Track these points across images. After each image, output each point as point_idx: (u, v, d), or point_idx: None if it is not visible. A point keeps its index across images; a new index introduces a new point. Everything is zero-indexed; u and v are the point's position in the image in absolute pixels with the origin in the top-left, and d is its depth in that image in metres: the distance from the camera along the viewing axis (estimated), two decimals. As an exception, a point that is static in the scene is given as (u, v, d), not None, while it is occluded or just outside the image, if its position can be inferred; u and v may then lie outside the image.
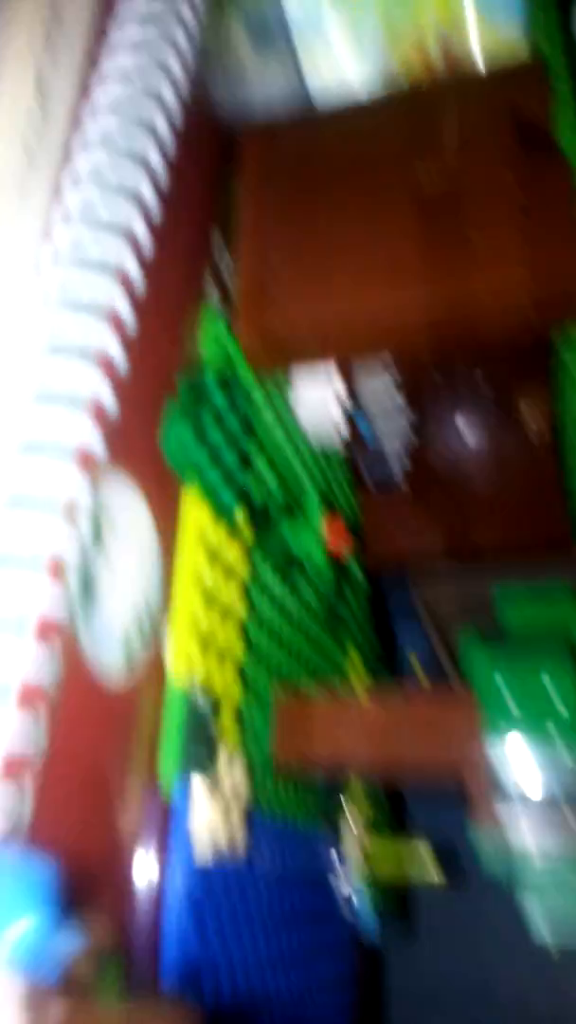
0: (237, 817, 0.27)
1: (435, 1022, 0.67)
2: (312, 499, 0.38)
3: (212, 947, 0.26)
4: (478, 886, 0.44)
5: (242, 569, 0.31)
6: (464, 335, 0.30)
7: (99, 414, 0.22)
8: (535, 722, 0.26)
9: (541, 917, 0.26)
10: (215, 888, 0.26)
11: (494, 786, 0.27)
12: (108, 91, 0.27)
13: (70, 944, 0.16)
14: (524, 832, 0.27)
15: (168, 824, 0.25)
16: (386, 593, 0.65)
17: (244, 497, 0.31)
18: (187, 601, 0.26)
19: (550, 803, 0.27)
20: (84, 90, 0.27)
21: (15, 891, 0.16)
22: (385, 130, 0.34)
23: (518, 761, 0.27)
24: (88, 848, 0.22)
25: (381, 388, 0.39)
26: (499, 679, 0.27)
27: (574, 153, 0.31)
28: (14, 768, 0.18)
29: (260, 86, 0.41)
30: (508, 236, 0.29)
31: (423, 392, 0.47)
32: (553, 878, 0.26)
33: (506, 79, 0.35)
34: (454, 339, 0.31)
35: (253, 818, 0.30)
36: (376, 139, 0.33)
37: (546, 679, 0.27)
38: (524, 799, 0.27)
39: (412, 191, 0.31)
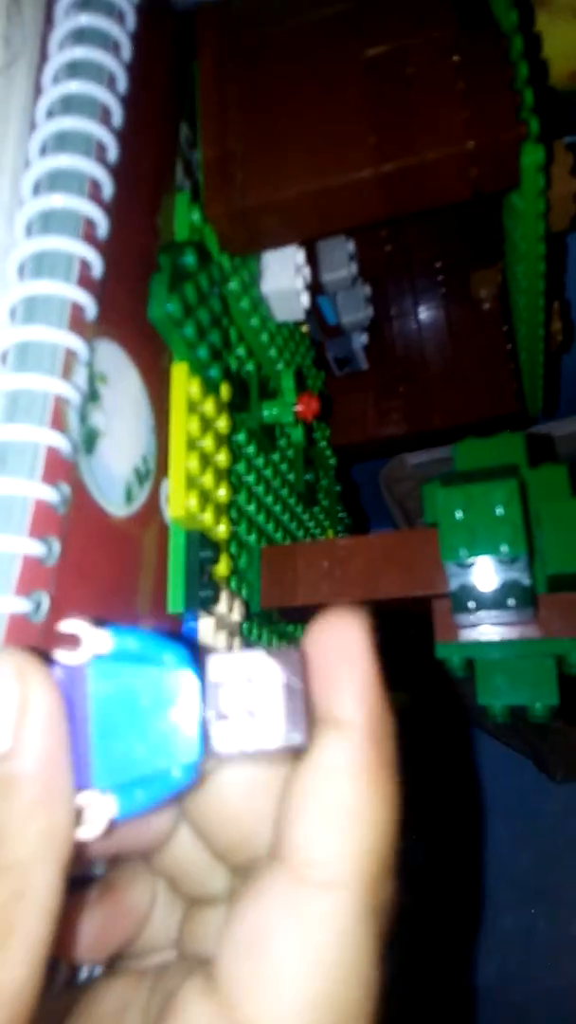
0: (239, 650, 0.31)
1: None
2: (288, 379, 0.41)
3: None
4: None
5: (230, 438, 0.34)
6: (415, 198, 0.33)
7: (86, 278, 0.25)
8: (489, 545, 0.31)
9: (494, 697, 0.31)
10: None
11: (457, 605, 0.32)
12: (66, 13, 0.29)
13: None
14: (482, 638, 0.32)
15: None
16: (355, 475, 0.69)
17: (228, 375, 0.35)
18: (182, 458, 0.30)
19: (505, 613, 0.31)
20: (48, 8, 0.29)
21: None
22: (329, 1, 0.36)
23: (476, 581, 0.31)
24: None
25: (341, 265, 0.42)
26: (457, 511, 0.31)
27: (506, 21, 0.33)
28: (29, 579, 0.21)
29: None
30: (447, 96, 0.32)
31: (381, 270, 0.50)
32: (504, 665, 0.31)
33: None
34: (407, 203, 0.34)
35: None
36: (320, 9, 0.35)
37: (497, 507, 0.31)
38: (482, 613, 0.31)
39: (358, 59, 0.34)
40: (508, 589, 0.31)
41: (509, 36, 0.34)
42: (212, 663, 0.16)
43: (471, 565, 0.31)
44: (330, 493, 0.55)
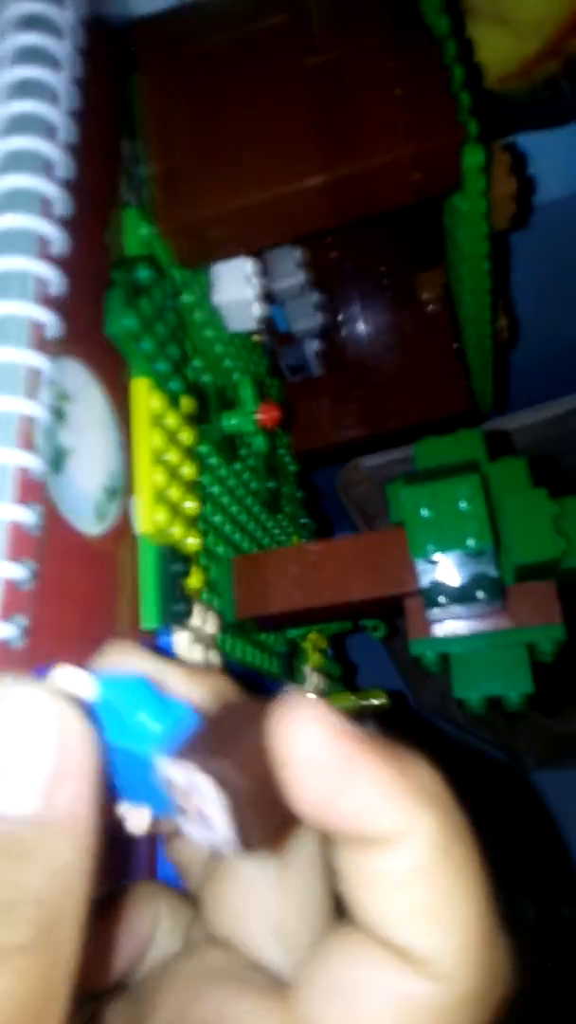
0: (216, 664, 0.31)
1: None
2: (247, 388, 0.41)
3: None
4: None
5: (194, 450, 0.34)
6: (360, 204, 0.34)
7: (45, 296, 0.25)
8: (456, 540, 0.31)
9: (471, 689, 0.31)
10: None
11: (428, 601, 0.32)
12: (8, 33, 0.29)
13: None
14: (454, 632, 0.33)
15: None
16: (316, 480, 0.69)
17: (189, 387, 0.35)
18: (148, 473, 0.30)
19: (475, 606, 0.32)
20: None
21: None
22: (266, 11, 0.36)
23: (445, 577, 0.32)
24: None
25: (290, 273, 0.42)
26: (422, 508, 0.32)
27: (439, 26, 0.34)
28: (8, 603, 0.21)
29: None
30: (386, 102, 0.33)
31: (329, 277, 0.51)
32: (478, 657, 0.32)
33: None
34: (352, 210, 0.34)
35: (226, 668, 0.34)
36: (258, 20, 0.36)
37: (461, 502, 0.31)
38: (453, 607, 0.32)
39: (297, 69, 0.34)
40: (477, 582, 0.31)
41: (442, 41, 0.35)
42: (165, 764, 0.15)
43: (439, 561, 0.32)
44: (293, 499, 0.55)
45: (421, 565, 0.32)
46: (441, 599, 0.32)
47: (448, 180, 0.34)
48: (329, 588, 0.34)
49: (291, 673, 0.45)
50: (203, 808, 0.14)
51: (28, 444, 0.23)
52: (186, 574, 0.30)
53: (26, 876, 0.12)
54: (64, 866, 0.12)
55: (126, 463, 0.29)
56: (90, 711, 0.14)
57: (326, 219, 0.35)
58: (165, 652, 0.29)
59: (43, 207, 0.26)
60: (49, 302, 0.25)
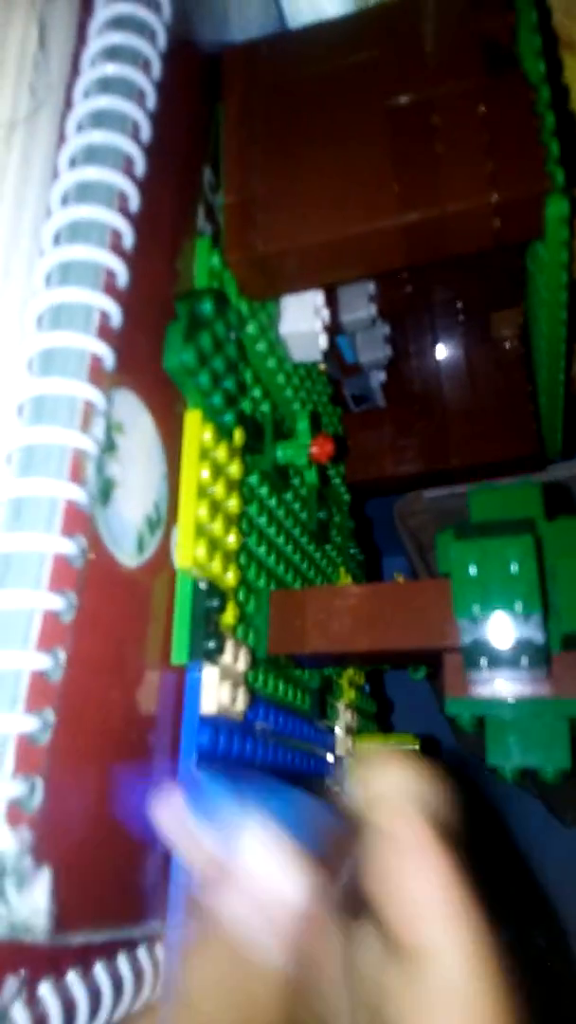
0: (243, 700, 0.31)
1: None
2: (303, 420, 0.41)
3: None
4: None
5: (241, 483, 0.34)
6: (437, 248, 0.33)
7: (105, 329, 0.25)
8: (503, 601, 0.30)
9: (505, 759, 0.30)
10: (222, 755, 0.30)
11: (469, 661, 0.31)
12: (102, 40, 0.29)
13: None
14: (494, 696, 0.31)
15: (181, 704, 0.28)
16: (369, 510, 0.68)
17: (242, 419, 0.34)
18: (192, 507, 0.29)
19: (517, 671, 0.31)
20: (81, 39, 0.29)
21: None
22: (357, 47, 0.36)
23: (489, 637, 0.31)
24: (109, 715, 0.25)
25: (360, 306, 0.42)
26: (471, 566, 0.31)
27: (534, 72, 0.33)
28: (48, 635, 0.21)
29: (242, 23, 0.43)
30: (472, 147, 0.32)
31: (401, 309, 0.50)
32: (516, 725, 0.31)
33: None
34: (429, 253, 0.33)
35: (255, 704, 0.34)
36: (348, 56, 0.35)
37: (512, 563, 0.30)
38: (494, 669, 0.31)
39: (383, 107, 0.34)
40: (522, 647, 0.30)
41: (537, 86, 0.34)
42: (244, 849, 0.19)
43: (484, 620, 0.31)
44: (343, 529, 0.54)
45: (465, 623, 0.31)
46: (482, 660, 0.31)
47: (529, 230, 0.33)
48: (366, 632, 0.34)
49: (323, 709, 0.44)
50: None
51: (78, 477, 0.23)
52: (222, 609, 0.30)
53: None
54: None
55: (170, 493, 0.29)
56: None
57: (400, 260, 0.34)
58: (193, 687, 0.29)
59: (111, 239, 0.26)
60: (109, 335, 0.25)
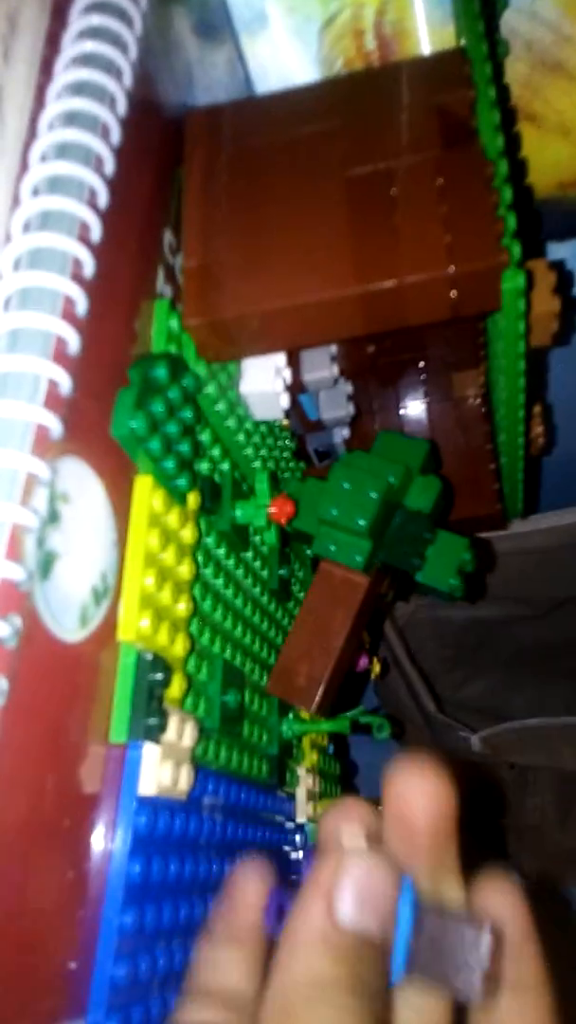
0: (187, 779, 0.30)
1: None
2: (262, 481, 0.41)
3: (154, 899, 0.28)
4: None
5: (195, 547, 0.33)
6: (395, 318, 0.33)
7: (53, 397, 0.24)
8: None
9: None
10: (162, 837, 0.28)
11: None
12: (60, 99, 0.29)
13: None
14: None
15: (120, 782, 0.27)
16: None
17: (198, 481, 0.34)
18: (138, 577, 0.29)
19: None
20: (39, 98, 0.29)
21: None
22: (320, 116, 0.36)
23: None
24: (40, 804, 0.24)
25: (323, 366, 0.42)
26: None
27: (492, 146, 0.34)
28: None
29: (207, 85, 0.43)
30: (430, 219, 0.32)
31: (363, 369, 0.50)
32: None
33: (432, 68, 0.38)
34: (387, 322, 0.33)
35: (203, 778, 0.33)
36: (311, 124, 0.36)
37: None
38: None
39: (344, 176, 0.34)
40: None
41: (495, 161, 0.35)
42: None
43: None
44: (306, 584, 0.54)
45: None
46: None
47: (486, 302, 0.33)
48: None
49: (282, 776, 0.43)
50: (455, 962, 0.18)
51: (15, 554, 0.22)
52: (167, 683, 0.29)
53: None
54: None
55: (119, 561, 0.29)
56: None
57: (360, 328, 0.34)
58: (132, 768, 0.27)
59: (64, 305, 0.26)
60: (58, 403, 0.25)
